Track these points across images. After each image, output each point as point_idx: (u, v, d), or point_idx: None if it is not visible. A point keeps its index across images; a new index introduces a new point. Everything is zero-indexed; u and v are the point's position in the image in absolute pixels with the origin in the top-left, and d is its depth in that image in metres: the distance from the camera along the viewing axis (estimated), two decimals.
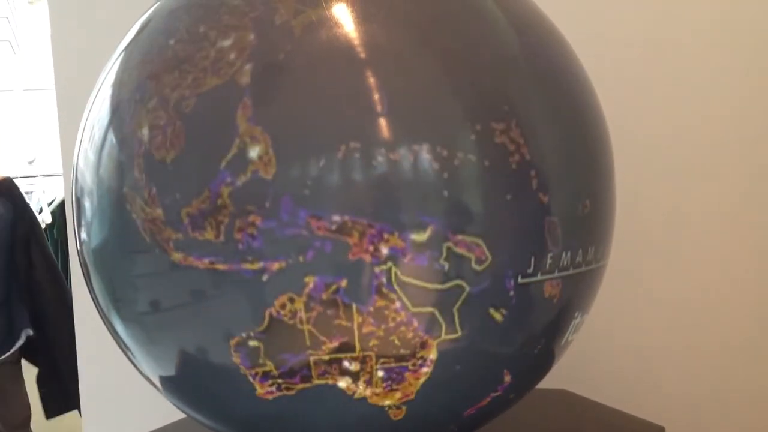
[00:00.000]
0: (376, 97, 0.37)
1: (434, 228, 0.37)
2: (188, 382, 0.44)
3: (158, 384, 0.46)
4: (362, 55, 0.38)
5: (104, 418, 1.05)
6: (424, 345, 0.39)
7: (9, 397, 1.97)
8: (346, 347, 0.38)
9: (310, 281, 0.37)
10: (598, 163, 0.46)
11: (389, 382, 0.39)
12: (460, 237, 0.37)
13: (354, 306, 0.37)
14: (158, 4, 0.48)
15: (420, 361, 0.39)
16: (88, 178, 0.47)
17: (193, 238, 0.37)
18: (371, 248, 0.36)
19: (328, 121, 0.37)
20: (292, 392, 0.39)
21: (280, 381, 0.39)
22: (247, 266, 0.37)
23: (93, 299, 0.50)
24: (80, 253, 0.50)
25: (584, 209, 0.43)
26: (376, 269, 0.37)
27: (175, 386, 0.45)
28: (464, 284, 0.38)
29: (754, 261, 0.89)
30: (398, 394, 0.40)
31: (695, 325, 0.90)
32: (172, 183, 0.38)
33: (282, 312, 0.37)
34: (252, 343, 0.38)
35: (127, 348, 0.47)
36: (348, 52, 0.38)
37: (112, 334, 0.48)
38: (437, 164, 0.37)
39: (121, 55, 0.46)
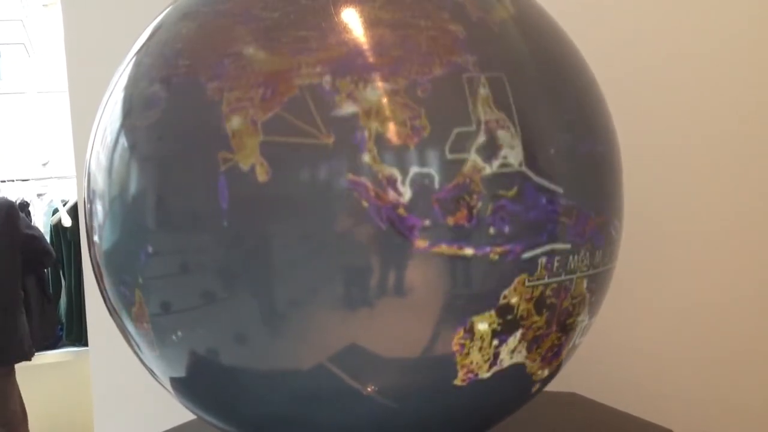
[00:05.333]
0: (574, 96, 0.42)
1: (605, 211, 0.43)
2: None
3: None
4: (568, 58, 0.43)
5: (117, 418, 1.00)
6: (580, 316, 0.44)
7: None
8: (547, 324, 0.41)
9: (542, 261, 0.39)
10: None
11: (551, 355, 0.43)
12: (615, 221, 0.44)
13: (563, 284, 0.41)
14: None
15: (573, 334, 0.44)
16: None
17: (443, 224, 0.36)
18: (580, 229, 0.41)
19: (550, 114, 0.40)
20: (486, 376, 0.40)
21: (485, 366, 0.40)
22: (497, 249, 0.37)
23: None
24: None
25: None
26: (582, 248, 0.41)
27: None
28: (611, 262, 0.45)
29: (766, 264, 0.89)
30: (553, 366, 0.44)
31: (705, 329, 0.89)
32: (417, 169, 0.36)
33: (514, 293, 0.39)
34: (481, 326, 0.38)
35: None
36: (549, 52, 0.42)
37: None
38: (600, 158, 0.43)
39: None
